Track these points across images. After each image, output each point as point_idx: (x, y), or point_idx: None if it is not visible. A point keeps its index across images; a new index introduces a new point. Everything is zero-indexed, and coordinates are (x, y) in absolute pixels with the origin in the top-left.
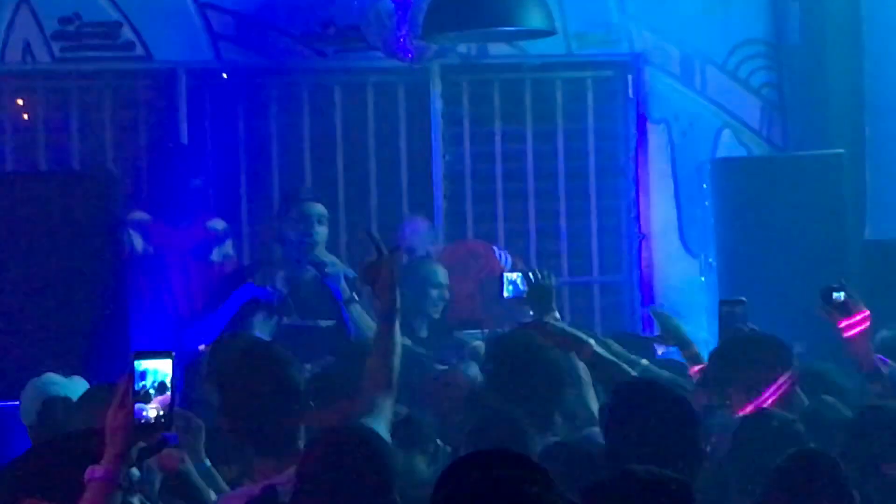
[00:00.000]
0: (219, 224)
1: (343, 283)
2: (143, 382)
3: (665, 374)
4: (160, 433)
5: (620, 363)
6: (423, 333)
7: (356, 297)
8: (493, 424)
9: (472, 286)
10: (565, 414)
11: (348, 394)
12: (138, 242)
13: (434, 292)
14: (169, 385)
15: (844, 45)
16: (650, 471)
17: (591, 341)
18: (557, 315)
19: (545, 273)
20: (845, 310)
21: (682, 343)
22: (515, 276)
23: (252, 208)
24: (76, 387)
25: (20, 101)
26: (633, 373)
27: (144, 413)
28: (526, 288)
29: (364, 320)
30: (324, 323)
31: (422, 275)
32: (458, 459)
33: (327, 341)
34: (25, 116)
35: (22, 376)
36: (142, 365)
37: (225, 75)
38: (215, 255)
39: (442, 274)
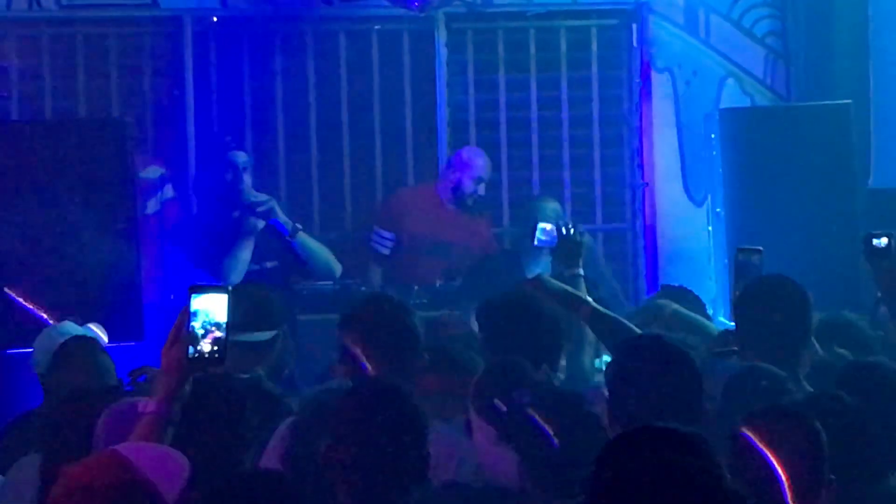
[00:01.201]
0: (153, 172)
1: (283, 217)
2: (198, 318)
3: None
4: (213, 368)
5: (622, 319)
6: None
7: (298, 227)
8: (502, 370)
9: None
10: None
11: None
12: None
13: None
14: (224, 320)
15: None
16: (669, 426)
17: (590, 299)
18: (581, 272)
19: (579, 229)
20: (887, 255)
21: None
22: (549, 226)
23: (257, 156)
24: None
25: (26, 49)
26: (637, 330)
27: (198, 347)
28: (556, 239)
29: (312, 244)
30: (269, 264)
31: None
32: (621, 436)
33: (275, 281)
34: (26, 63)
35: (34, 325)
36: (197, 300)
37: (215, 18)
38: (151, 206)
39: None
